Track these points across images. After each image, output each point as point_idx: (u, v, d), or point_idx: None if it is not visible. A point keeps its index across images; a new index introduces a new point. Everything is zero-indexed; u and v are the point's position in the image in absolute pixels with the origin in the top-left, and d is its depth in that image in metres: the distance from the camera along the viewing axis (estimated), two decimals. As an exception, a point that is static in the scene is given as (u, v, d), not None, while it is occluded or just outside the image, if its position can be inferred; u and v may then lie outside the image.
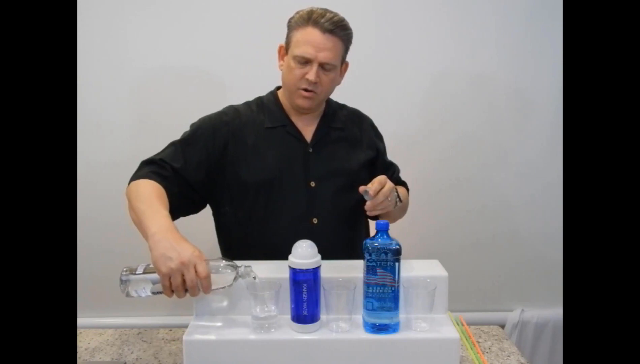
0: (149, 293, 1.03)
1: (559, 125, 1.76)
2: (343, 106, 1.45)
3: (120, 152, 1.92)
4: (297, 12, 1.27)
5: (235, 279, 1.03)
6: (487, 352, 1.19)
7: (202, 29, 1.86)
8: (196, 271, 0.97)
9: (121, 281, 1.03)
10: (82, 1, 1.54)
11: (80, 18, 1.50)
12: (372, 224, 1.44)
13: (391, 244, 1.01)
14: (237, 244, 1.33)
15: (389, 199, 1.19)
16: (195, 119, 1.37)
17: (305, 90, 1.26)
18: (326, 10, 1.25)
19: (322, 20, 1.22)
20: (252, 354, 1.03)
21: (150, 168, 1.24)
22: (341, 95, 1.43)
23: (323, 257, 1.03)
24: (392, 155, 1.50)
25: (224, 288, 1.03)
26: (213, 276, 1.00)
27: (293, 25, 1.27)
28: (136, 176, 1.23)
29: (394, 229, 1.04)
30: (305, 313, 1.03)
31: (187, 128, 1.36)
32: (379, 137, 1.48)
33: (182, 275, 0.97)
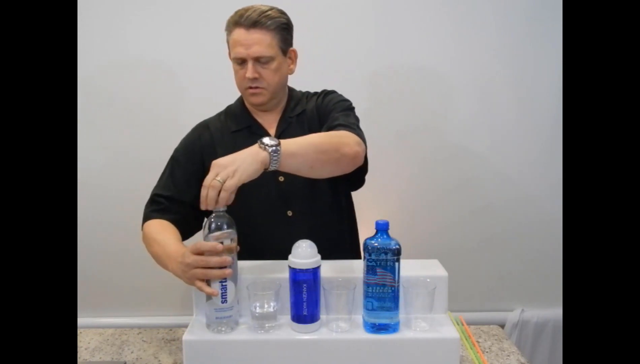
0: (220, 288, 1.03)
1: (559, 125, 1.76)
2: (308, 94, 1.42)
3: (120, 152, 1.92)
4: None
5: (211, 230, 1.02)
6: (487, 352, 1.19)
7: (202, 29, 1.85)
8: (202, 253, 1.02)
9: (210, 326, 1.06)
10: (82, 1, 1.54)
11: (80, 18, 1.50)
12: (361, 217, 1.45)
13: (391, 244, 1.01)
14: None
15: (218, 178, 1.04)
16: (195, 118, 1.39)
17: (250, 87, 1.28)
18: (251, 6, 1.25)
19: (245, 15, 1.23)
20: (252, 354, 1.03)
21: (150, 209, 1.30)
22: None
23: None
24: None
25: (230, 241, 1.03)
26: (215, 235, 1.02)
27: (226, 31, 1.28)
28: (143, 219, 1.30)
29: (394, 229, 1.04)
30: (305, 313, 1.03)
31: (187, 127, 1.38)
32: (329, 101, 1.35)
33: (202, 265, 1.01)
